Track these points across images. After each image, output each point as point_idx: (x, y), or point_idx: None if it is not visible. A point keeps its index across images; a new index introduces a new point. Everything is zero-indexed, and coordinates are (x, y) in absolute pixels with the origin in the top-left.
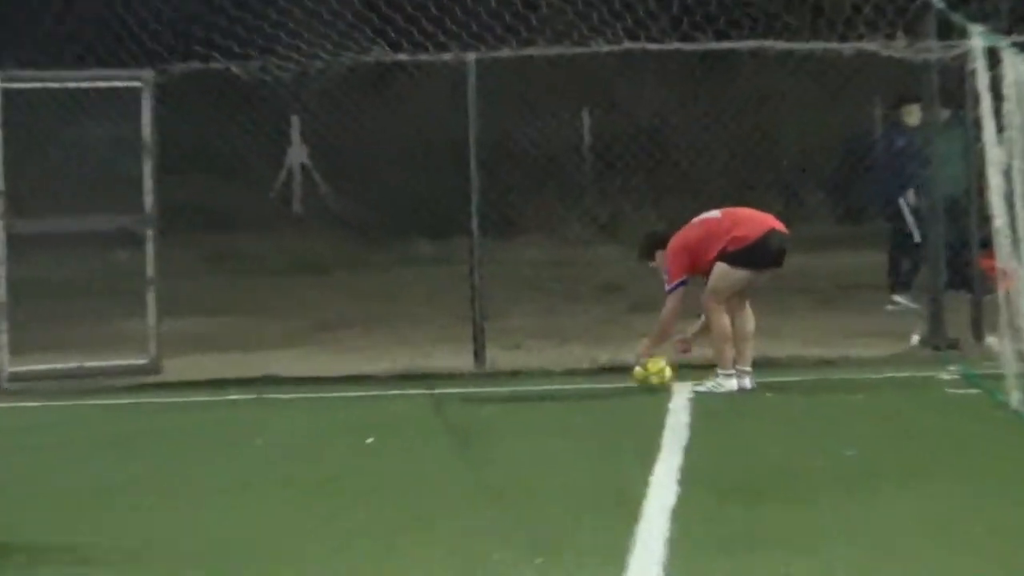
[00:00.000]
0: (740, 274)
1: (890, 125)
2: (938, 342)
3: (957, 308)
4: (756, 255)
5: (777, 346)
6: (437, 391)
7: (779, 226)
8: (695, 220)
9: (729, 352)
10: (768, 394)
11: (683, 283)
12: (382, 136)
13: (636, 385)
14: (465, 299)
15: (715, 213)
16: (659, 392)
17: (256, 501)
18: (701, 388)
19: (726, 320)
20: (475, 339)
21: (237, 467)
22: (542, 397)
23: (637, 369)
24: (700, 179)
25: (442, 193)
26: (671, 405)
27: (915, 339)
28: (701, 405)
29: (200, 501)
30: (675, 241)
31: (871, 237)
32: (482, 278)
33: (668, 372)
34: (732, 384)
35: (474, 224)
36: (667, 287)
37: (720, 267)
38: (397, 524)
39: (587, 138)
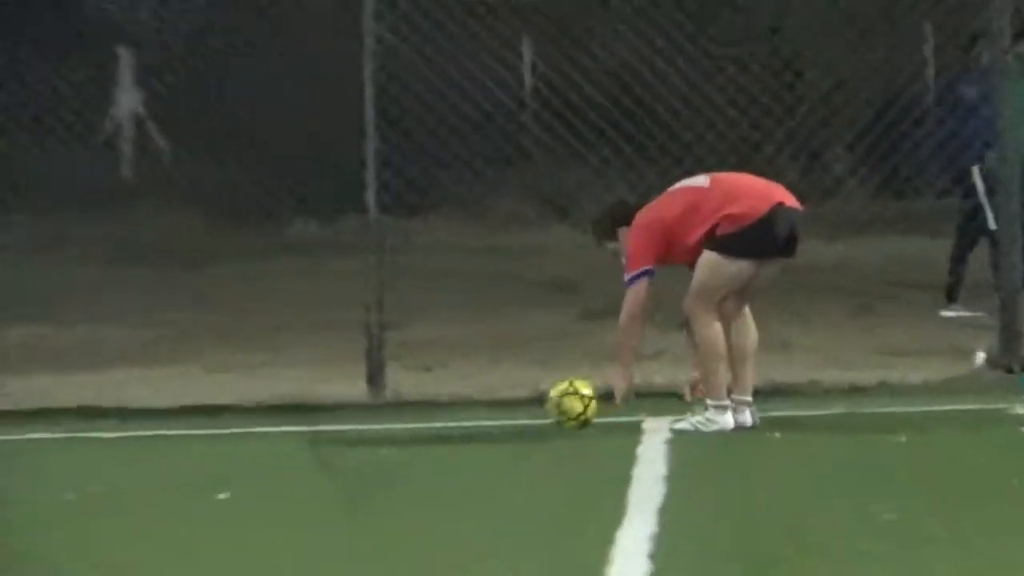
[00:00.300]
0: (736, 266)
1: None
2: (1012, 362)
3: None
4: (757, 240)
5: (789, 368)
6: (317, 428)
7: (790, 200)
8: (674, 188)
9: (722, 376)
10: (776, 434)
11: (647, 273)
12: (248, 77)
13: (579, 424)
14: (356, 302)
15: (701, 180)
16: (626, 432)
17: None
18: (683, 425)
19: (718, 332)
20: (370, 357)
21: (24, 543)
22: (463, 439)
23: (552, 397)
24: (687, 137)
25: (331, 156)
26: (640, 450)
27: (980, 357)
28: (681, 450)
29: None
30: (644, 215)
31: (920, 218)
32: (383, 272)
33: (592, 409)
34: (726, 420)
35: (370, 197)
36: (625, 277)
37: (708, 257)
38: None
39: (529, 80)
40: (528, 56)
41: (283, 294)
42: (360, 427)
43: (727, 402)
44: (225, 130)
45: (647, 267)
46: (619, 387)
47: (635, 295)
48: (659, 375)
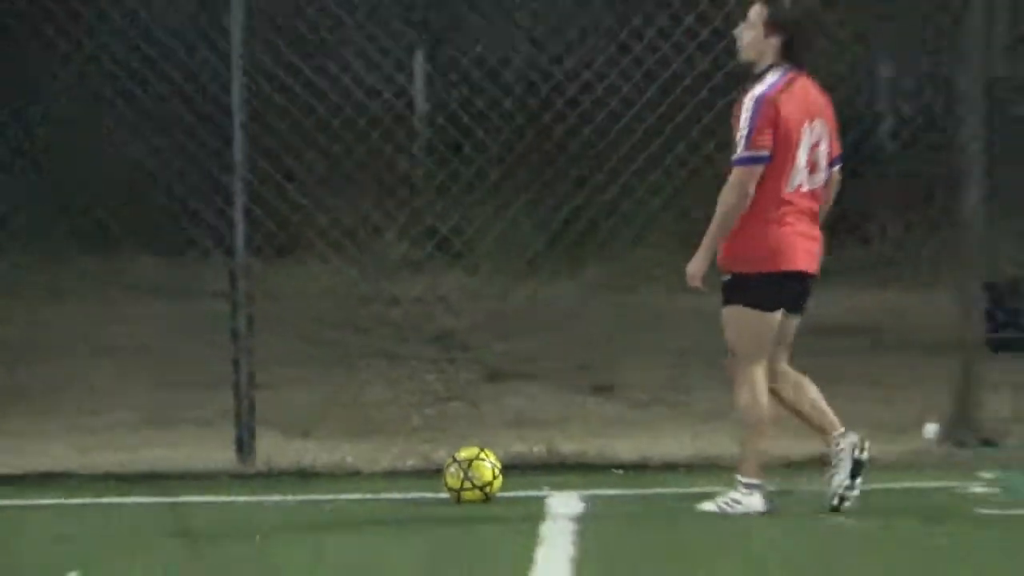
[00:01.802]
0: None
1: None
2: (965, 435)
3: (999, 382)
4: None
5: (717, 439)
6: (178, 499)
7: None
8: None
9: (761, 447)
10: (698, 509)
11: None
12: (74, 73)
13: (483, 496)
14: (219, 357)
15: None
16: (529, 508)
17: None
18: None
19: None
20: (239, 420)
21: None
22: (342, 515)
23: (459, 460)
24: (609, 167)
25: (183, 180)
26: (544, 529)
27: (930, 430)
28: (591, 529)
29: None
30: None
31: (877, 266)
32: (251, 323)
33: (499, 483)
34: (754, 502)
35: (238, 235)
36: (740, 153)
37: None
38: None
39: (420, 101)
40: (420, 70)
41: (127, 345)
42: (227, 499)
43: (758, 481)
44: (50, 141)
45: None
46: (700, 266)
47: (751, 176)
48: (567, 443)
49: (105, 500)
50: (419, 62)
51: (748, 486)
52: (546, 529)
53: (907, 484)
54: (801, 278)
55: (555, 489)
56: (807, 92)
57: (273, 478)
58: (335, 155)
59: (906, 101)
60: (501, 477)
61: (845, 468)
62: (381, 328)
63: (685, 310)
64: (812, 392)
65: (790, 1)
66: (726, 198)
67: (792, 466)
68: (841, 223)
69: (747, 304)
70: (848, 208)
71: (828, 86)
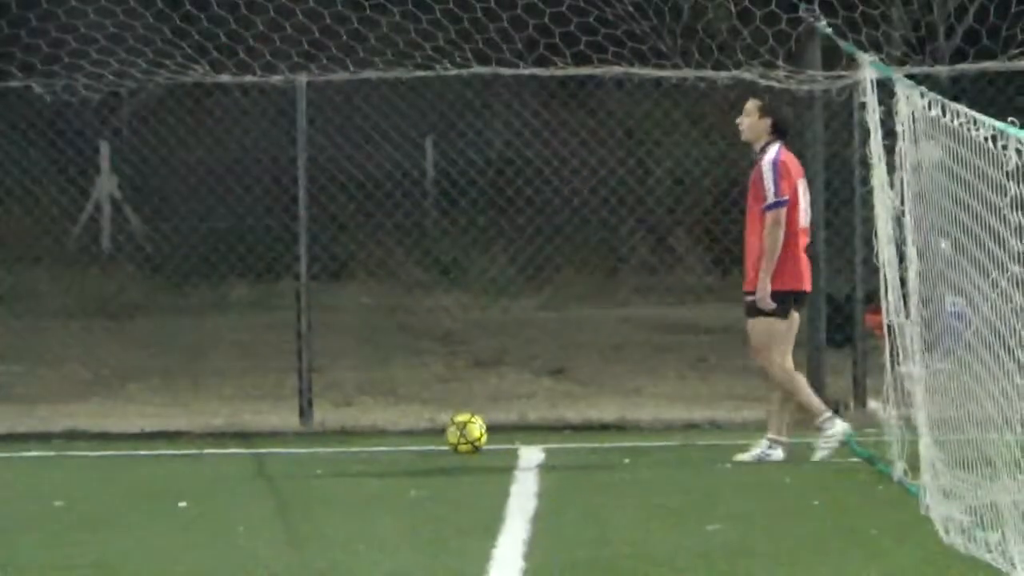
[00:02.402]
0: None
1: None
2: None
3: (839, 368)
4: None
5: (638, 408)
6: (259, 451)
7: None
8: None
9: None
10: (625, 460)
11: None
12: (200, 166)
13: (472, 448)
14: (289, 350)
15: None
16: (505, 457)
17: None
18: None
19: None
20: (301, 394)
21: (16, 544)
22: (374, 460)
23: (456, 422)
24: (558, 220)
25: (263, 230)
26: (517, 472)
27: (872, 405)
28: (551, 472)
29: None
30: (794, 164)
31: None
32: (310, 326)
33: (484, 439)
34: (778, 454)
35: (302, 265)
36: (772, 199)
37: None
38: None
39: (430, 171)
40: (430, 152)
41: (226, 344)
42: (292, 451)
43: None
44: (182, 209)
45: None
46: (767, 291)
47: (781, 215)
48: (532, 411)
49: (208, 451)
50: (429, 143)
51: (774, 442)
52: (518, 472)
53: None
54: (804, 293)
55: (524, 444)
56: (795, 161)
57: (324, 436)
58: (368, 208)
59: None
60: (486, 435)
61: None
62: (402, 329)
63: (612, 318)
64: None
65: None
66: (773, 234)
67: (691, 427)
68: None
69: (774, 315)
70: None
71: None
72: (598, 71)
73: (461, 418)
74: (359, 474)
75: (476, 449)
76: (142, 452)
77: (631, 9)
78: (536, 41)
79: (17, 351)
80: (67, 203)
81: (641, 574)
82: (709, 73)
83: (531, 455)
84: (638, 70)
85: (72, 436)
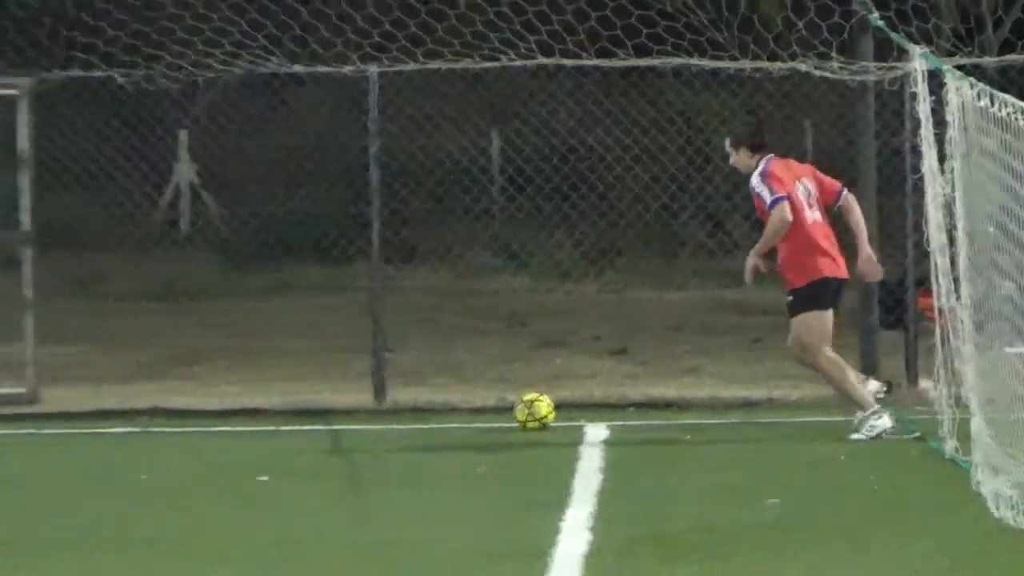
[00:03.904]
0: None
1: None
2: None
3: (891, 349)
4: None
5: (698, 387)
6: (334, 428)
7: None
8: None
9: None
10: (687, 437)
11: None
12: (275, 153)
13: (540, 425)
14: (361, 331)
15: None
16: (571, 434)
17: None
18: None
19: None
20: (375, 373)
21: (108, 515)
22: (445, 436)
23: (525, 400)
24: (620, 206)
25: (337, 214)
26: (582, 448)
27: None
28: (616, 449)
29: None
30: (781, 169)
31: None
32: (382, 307)
33: (551, 416)
34: (884, 421)
35: (375, 248)
36: (771, 198)
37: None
38: None
39: (496, 158)
40: (495, 140)
41: (302, 324)
42: (366, 427)
43: (876, 407)
44: (259, 194)
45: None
46: (754, 264)
47: (782, 210)
48: (597, 391)
49: (287, 428)
50: (495, 132)
51: (872, 414)
52: (584, 449)
53: (828, 419)
54: (830, 281)
55: (589, 422)
56: (788, 164)
57: (397, 413)
58: (438, 194)
59: None
60: (553, 413)
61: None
62: (470, 311)
63: (672, 300)
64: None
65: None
66: (774, 225)
67: (748, 405)
68: None
69: (810, 309)
70: None
71: None
72: (657, 62)
73: (529, 397)
74: (430, 451)
75: (543, 426)
76: (221, 429)
77: (690, 2)
78: (598, 33)
79: (100, 332)
80: (150, 189)
81: (702, 547)
82: (764, 64)
83: (596, 432)
84: (696, 61)
85: (154, 413)
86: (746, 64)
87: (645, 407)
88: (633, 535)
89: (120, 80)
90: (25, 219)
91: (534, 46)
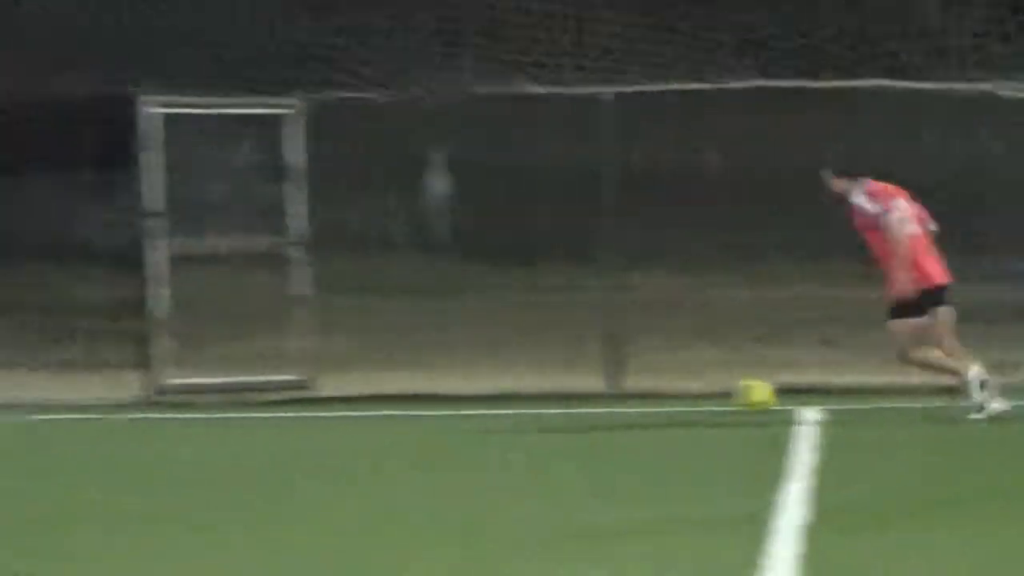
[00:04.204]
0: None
1: None
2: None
3: None
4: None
5: (906, 374)
6: (580, 411)
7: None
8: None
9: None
10: (893, 420)
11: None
12: (523, 165)
13: (762, 407)
14: (599, 323)
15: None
16: (787, 416)
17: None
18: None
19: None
20: (612, 361)
21: (376, 499)
22: (678, 417)
23: (748, 385)
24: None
25: (585, 220)
26: (797, 428)
27: None
28: (829, 429)
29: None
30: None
31: None
32: (619, 305)
33: (773, 400)
34: (998, 403)
35: (610, 250)
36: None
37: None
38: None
39: (716, 169)
40: (715, 156)
41: (551, 318)
42: (603, 410)
43: (985, 393)
44: (508, 202)
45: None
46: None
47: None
48: (809, 377)
49: (544, 411)
50: (714, 146)
51: (983, 398)
52: (799, 430)
53: None
54: (936, 288)
55: (802, 405)
56: (884, 186)
57: (631, 398)
58: (664, 201)
59: None
60: (773, 397)
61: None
62: (696, 307)
63: (872, 297)
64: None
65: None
66: (892, 241)
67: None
68: None
69: (906, 316)
70: None
71: None
72: (859, 84)
73: (751, 382)
74: (660, 432)
75: (764, 410)
76: (475, 411)
77: (888, 28)
78: (805, 56)
79: (370, 325)
80: (407, 199)
81: (905, 520)
82: (959, 85)
83: (809, 415)
84: (894, 83)
85: (428, 398)
86: (942, 85)
87: (854, 393)
88: (848, 508)
89: (380, 100)
90: (297, 225)
91: (749, 68)
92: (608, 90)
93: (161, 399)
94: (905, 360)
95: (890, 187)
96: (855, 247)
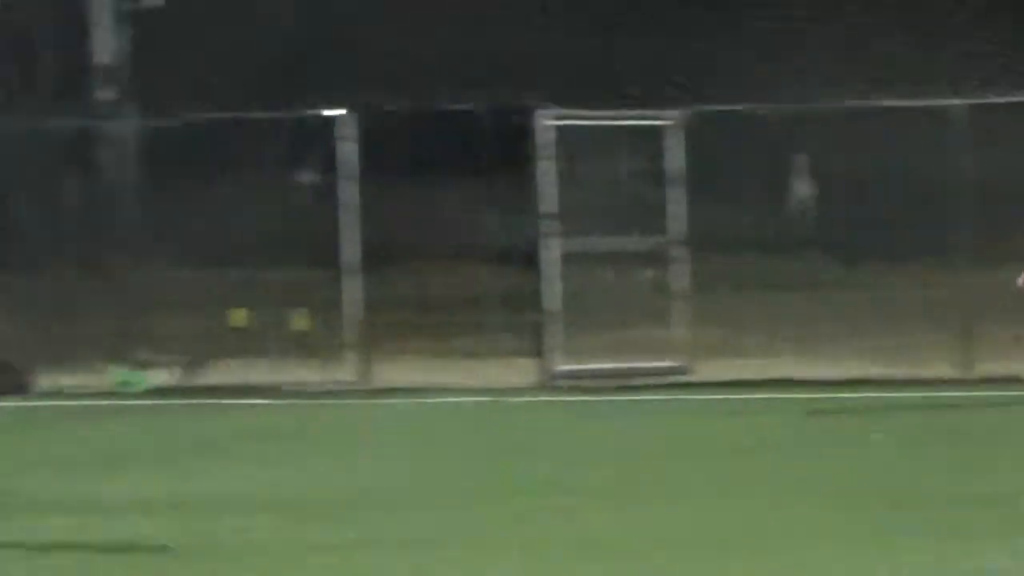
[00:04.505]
0: None
1: None
2: None
3: None
4: None
5: None
6: (922, 395)
7: None
8: None
9: None
10: None
11: None
12: (880, 171)
13: None
14: (952, 317)
15: None
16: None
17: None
18: None
19: None
20: (957, 349)
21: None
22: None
23: None
24: None
25: (939, 223)
26: None
27: None
28: None
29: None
30: None
31: None
32: (970, 300)
33: None
34: None
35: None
36: None
37: None
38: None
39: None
40: None
41: (894, 310)
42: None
43: None
44: (861, 203)
45: None
46: None
47: None
48: None
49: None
50: None
51: None
52: None
53: None
54: None
55: None
56: None
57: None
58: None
59: None
60: None
61: None
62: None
63: None
64: None
65: None
66: None
67: None
68: None
69: None
70: None
71: None
72: None
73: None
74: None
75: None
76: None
77: None
78: None
79: (744, 316)
80: (775, 202)
81: None
82: None
83: None
84: None
85: (784, 384)
86: None
87: None
88: None
89: (761, 112)
90: (676, 226)
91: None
92: (960, 102)
93: (553, 384)
94: None
95: None
96: None
